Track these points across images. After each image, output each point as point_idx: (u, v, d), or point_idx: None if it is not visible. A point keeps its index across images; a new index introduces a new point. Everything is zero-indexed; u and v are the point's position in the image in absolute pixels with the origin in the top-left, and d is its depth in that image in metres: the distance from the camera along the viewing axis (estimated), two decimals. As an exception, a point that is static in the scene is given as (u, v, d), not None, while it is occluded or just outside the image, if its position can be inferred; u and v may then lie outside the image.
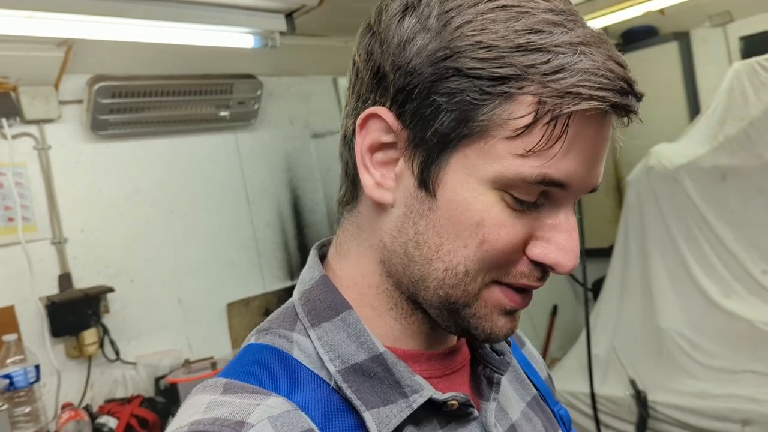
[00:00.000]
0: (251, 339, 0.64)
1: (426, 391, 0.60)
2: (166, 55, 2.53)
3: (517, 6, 0.53)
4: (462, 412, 0.63)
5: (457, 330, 0.62)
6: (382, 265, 0.63)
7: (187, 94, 2.67)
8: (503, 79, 0.52)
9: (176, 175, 2.78)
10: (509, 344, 0.75)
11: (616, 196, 3.98)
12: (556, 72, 0.51)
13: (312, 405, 0.57)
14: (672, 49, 3.63)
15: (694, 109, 3.64)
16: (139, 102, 2.55)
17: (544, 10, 0.53)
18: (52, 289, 2.40)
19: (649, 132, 3.59)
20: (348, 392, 0.58)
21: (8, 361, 2.13)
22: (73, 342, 2.40)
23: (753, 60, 2.74)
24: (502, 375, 0.68)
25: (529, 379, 0.78)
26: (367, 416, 0.58)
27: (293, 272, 3.19)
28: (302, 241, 3.24)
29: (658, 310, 2.74)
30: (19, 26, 1.86)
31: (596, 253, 3.82)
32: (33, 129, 2.40)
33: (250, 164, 3.04)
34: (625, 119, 0.56)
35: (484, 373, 0.68)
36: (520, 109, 0.52)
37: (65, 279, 2.43)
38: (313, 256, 0.68)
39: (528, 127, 0.52)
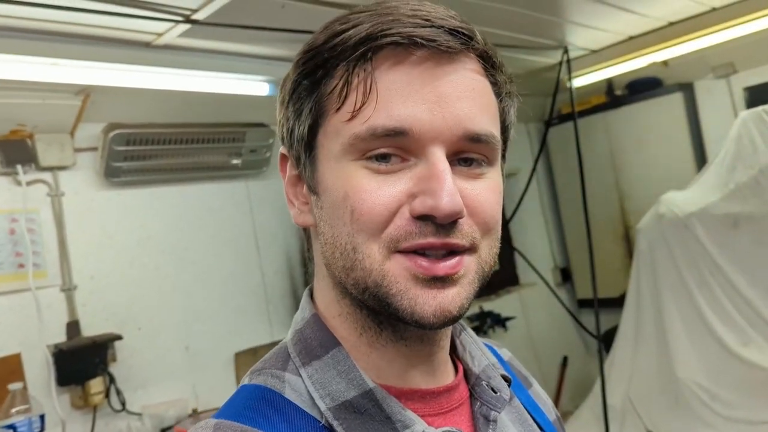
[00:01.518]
0: (245, 380, 0.65)
1: (417, 426, 0.59)
2: (179, 103, 2.56)
3: (338, 18, 0.61)
4: None
5: (390, 317, 0.60)
6: (336, 289, 0.64)
7: (199, 141, 2.70)
8: (318, 67, 0.60)
9: (187, 222, 2.78)
10: (508, 382, 0.71)
11: (625, 244, 3.97)
12: (350, 39, 0.57)
13: None
14: (677, 99, 3.68)
15: (700, 157, 3.67)
16: (153, 149, 2.58)
17: (360, 11, 0.60)
18: (60, 336, 2.37)
19: (656, 180, 3.62)
20: (339, 430, 0.58)
21: (13, 410, 2.08)
22: (78, 391, 2.35)
23: (760, 108, 2.77)
24: (498, 412, 0.67)
25: (535, 421, 0.76)
26: None
27: (301, 321, 3.15)
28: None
29: (673, 359, 2.69)
30: (39, 73, 1.89)
31: (606, 303, 3.79)
32: (47, 176, 2.42)
33: (261, 212, 3.05)
34: (441, 46, 0.57)
35: (480, 411, 0.67)
36: (335, 81, 0.59)
37: (73, 326, 2.41)
38: (305, 297, 0.69)
39: (344, 92, 0.58)
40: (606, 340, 3.69)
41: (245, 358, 2.89)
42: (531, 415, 0.76)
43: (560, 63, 3.24)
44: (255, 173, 3.02)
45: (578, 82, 3.56)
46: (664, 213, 2.90)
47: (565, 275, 4.48)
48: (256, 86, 2.42)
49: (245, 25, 2.00)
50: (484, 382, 0.69)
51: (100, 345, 2.39)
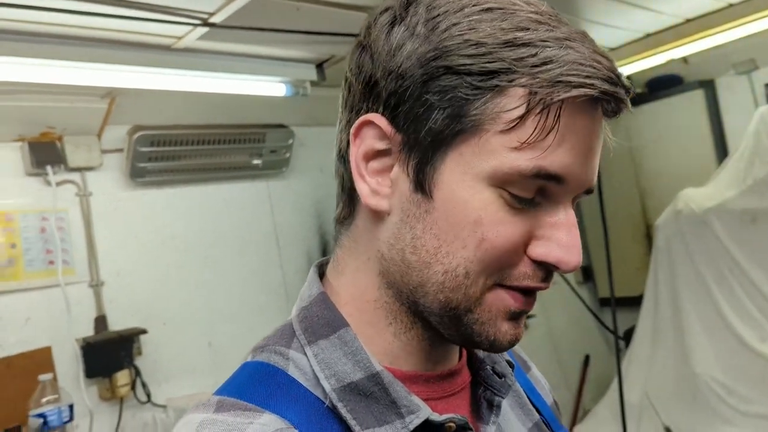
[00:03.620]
0: (248, 357, 0.64)
1: (423, 411, 0.58)
2: (201, 105, 2.65)
3: (502, 8, 0.55)
4: None
5: (460, 338, 0.60)
6: (380, 277, 0.62)
7: (221, 142, 2.78)
8: (493, 74, 0.53)
9: (209, 221, 2.86)
10: (512, 367, 0.71)
11: (646, 243, 3.95)
12: (545, 63, 0.52)
13: (306, 423, 0.56)
14: (697, 96, 3.66)
15: (722, 154, 3.64)
16: (176, 150, 2.66)
17: (528, 11, 0.55)
18: (88, 330, 2.46)
19: (677, 177, 3.60)
20: (343, 411, 0.57)
21: (43, 400, 2.17)
22: (106, 383, 2.44)
23: (778, 103, 2.75)
24: (502, 398, 0.67)
25: (533, 404, 0.77)
26: None
27: (322, 318, 3.20)
28: (331, 287, 3.27)
29: (691, 355, 2.68)
30: (66, 76, 1.98)
31: (627, 302, 3.77)
32: (76, 176, 2.52)
33: (281, 211, 3.12)
34: (613, 110, 0.55)
35: (484, 396, 0.67)
36: (512, 102, 0.53)
37: (101, 321, 2.50)
38: (312, 274, 0.68)
39: (521, 119, 0.52)
40: (627, 338, 3.68)
41: (266, 354, 2.95)
42: (529, 399, 0.77)
43: (577, 62, 3.24)
44: (275, 173, 3.09)
45: (596, 80, 3.55)
46: (682, 209, 2.90)
47: (587, 274, 4.47)
48: (273, 87, 2.49)
49: (261, 28, 2.07)
50: (488, 367, 0.69)
51: (126, 339, 2.47)
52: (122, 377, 2.44)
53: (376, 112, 0.58)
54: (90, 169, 2.55)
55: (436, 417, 0.58)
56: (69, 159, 2.46)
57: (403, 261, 0.59)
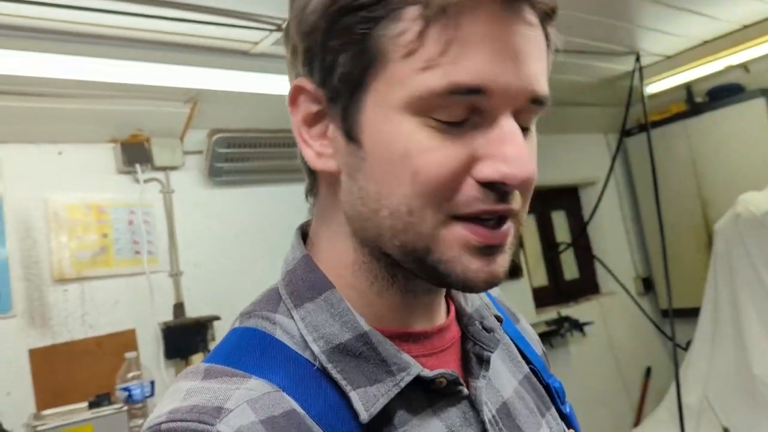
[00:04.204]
0: (235, 323, 0.64)
1: (413, 368, 0.58)
2: (273, 109, 2.83)
3: None
4: (451, 390, 0.61)
5: (434, 280, 0.58)
6: (353, 239, 0.61)
7: (290, 146, 2.94)
8: (383, 2, 0.52)
9: (277, 219, 3.04)
10: (500, 320, 0.71)
11: (708, 252, 3.92)
12: None
13: (295, 385, 0.55)
14: (759, 104, 3.64)
15: (785, 162, 3.61)
16: (249, 152, 2.88)
17: None
18: (168, 315, 2.67)
19: (738, 186, 3.58)
20: (333, 372, 0.56)
21: (129, 375, 2.38)
22: (182, 365, 2.64)
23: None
24: (491, 353, 0.66)
25: (522, 355, 0.76)
26: (353, 396, 0.56)
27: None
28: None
29: (750, 357, 2.66)
30: (153, 77, 2.21)
31: (689, 313, 3.73)
32: (160, 175, 2.76)
33: (345, 212, 3.27)
34: (530, 3, 0.53)
35: (473, 351, 0.66)
36: (408, 23, 0.51)
37: (179, 308, 2.71)
38: (296, 237, 0.67)
39: (420, 38, 0.51)
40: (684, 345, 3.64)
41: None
42: (519, 350, 0.77)
43: (633, 70, 3.31)
44: (340, 176, 3.26)
45: (653, 88, 3.60)
46: (741, 212, 2.90)
47: (648, 285, 4.44)
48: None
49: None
50: (477, 322, 0.68)
51: (202, 324, 2.67)
52: (197, 359, 2.63)
53: (303, 75, 0.59)
54: (173, 168, 2.79)
55: (427, 373, 0.58)
56: (155, 159, 2.70)
57: (360, 215, 0.58)
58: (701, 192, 3.93)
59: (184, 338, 2.62)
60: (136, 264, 2.63)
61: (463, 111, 0.52)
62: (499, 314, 0.72)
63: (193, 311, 2.73)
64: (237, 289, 2.86)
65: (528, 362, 0.76)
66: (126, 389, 2.35)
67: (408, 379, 0.57)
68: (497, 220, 0.55)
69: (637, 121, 4.14)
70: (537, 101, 0.55)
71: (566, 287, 4.23)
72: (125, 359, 2.38)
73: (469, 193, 0.53)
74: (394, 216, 0.54)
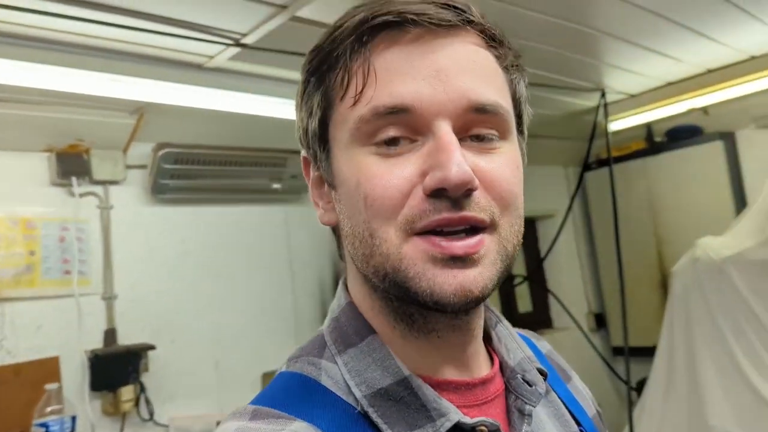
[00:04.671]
0: (282, 368, 0.66)
1: (453, 415, 0.58)
2: (225, 126, 2.69)
3: (344, 14, 0.63)
4: None
5: (413, 302, 0.59)
6: (366, 285, 0.64)
7: (242, 164, 2.81)
8: (322, 63, 0.62)
9: (225, 241, 2.88)
10: (544, 376, 0.70)
11: (662, 291, 3.90)
12: (347, 28, 0.60)
13: (336, 429, 0.57)
14: (717, 148, 3.66)
15: (740, 207, 3.62)
16: (198, 169, 2.70)
17: (357, 6, 0.62)
18: (97, 342, 2.46)
19: (694, 227, 3.58)
20: (374, 417, 0.58)
21: (48, 409, 2.16)
22: (110, 398, 2.42)
23: (800, 156, 2.74)
24: (533, 406, 0.66)
25: (572, 415, 0.75)
26: None
27: (331, 348, 3.17)
28: (341, 317, 3.25)
29: (706, 407, 2.61)
30: (98, 87, 2.03)
31: (641, 352, 3.71)
32: (99, 189, 2.55)
33: (297, 237, 3.13)
34: (432, 22, 0.58)
35: (515, 405, 0.66)
36: (337, 71, 0.61)
37: (110, 334, 2.50)
38: (340, 286, 0.70)
39: (345, 81, 0.59)
40: (640, 389, 3.60)
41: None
42: (568, 409, 0.75)
43: (597, 106, 3.28)
44: (294, 198, 3.11)
45: (616, 125, 3.58)
46: (700, 256, 2.87)
47: (600, 321, 4.41)
48: (298, 112, 2.53)
49: (293, 52, 2.12)
50: (519, 375, 0.68)
51: (134, 354, 2.47)
52: (127, 392, 2.42)
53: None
54: (114, 182, 2.59)
55: (467, 420, 0.59)
56: (94, 172, 2.50)
57: (353, 256, 0.62)
58: (657, 231, 3.93)
59: (113, 368, 2.41)
60: (65, 285, 2.41)
61: (397, 131, 0.57)
62: (542, 368, 0.71)
63: (126, 338, 2.52)
64: (176, 316, 2.67)
65: (578, 423, 0.75)
66: (43, 425, 2.13)
67: (448, 425, 0.58)
68: (467, 231, 0.56)
69: (596, 156, 4.13)
70: (479, 109, 0.58)
71: (519, 320, 4.15)
72: (45, 391, 2.16)
73: (420, 206, 0.56)
74: (363, 243, 0.58)
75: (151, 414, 2.52)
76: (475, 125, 0.59)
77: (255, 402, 0.62)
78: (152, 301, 2.62)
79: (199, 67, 2.15)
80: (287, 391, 0.61)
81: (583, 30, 2.46)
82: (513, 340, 0.72)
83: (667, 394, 2.81)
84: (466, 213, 0.56)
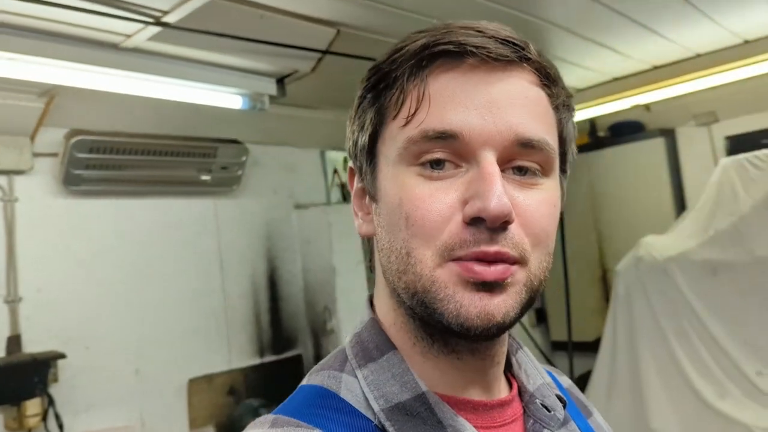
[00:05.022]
0: (304, 381, 0.67)
1: None
2: (148, 112, 2.46)
3: (407, 37, 0.64)
4: None
5: (437, 324, 0.60)
6: (391, 299, 0.66)
7: (168, 154, 2.59)
8: (380, 81, 0.64)
9: (148, 238, 2.65)
10: (564, 403, 0.71)
11: (602, 286, 3.90)
12: (408, 51, 0.61)
13: None
14: (658, 144, 3.66)
15: (680, 203, 3.64)
16: (117, 159, 2.46)
17: (429, 29, 0.63)
18: (-1, 351, 2.21)
19: (635, 224, 3.57)
20: (391, 431, 0.59)
21: (-62, 429, 1.92)
22: (13, 412, 2.19)
23: (742, 156, 2.73)
24: (551, 431, 0.67)
25: None
26: None
27: (263, 349, 3.01)
28: (275, 315, 3.08)
29: (648, 409, 2.58)
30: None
31: (581, 347, 3.70)
32: (2, 179, 2.29)
33: (228, 232, 2.93)
34: (492, 57, 0.59)
35: (533, 429, 0.67)
36: (393, 91, 0.62)
37: (14, 341, 2.25)
38: (366, 302, 0.71)
39: (400, 101, 0.61)
40: (579, 384, 3.58)
41: (200, 385, 2.74)
42: None
43: (544, 99, 3.20)
44: (225, 191, 2.90)
45: (561, 120, 3.52)
46: (643, 256, 2.84)
47: (540, 316, 4.39)
48: (228, 99, 2.32)
49: (220, 33, 1.91)
50: (538, 400, 0.69)
51: (41, 363, 2.23)
52: (32, 406, 2.19)
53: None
54: (19, 172, 2.33)
55: None
56: (-5, 160, 2.23)
57: (386, 269, 0.63)
58: (597, 226, 3.91)
59: (17, 379, 2.17)
60: (-39, 287, 2.15)
61: (443, 154, 0.59)
62: (561, 395, 0.71)
63: (32, 346, 2.28)
64: (93, 321, 2.44)
65: None
66: (-67, 447, 1.89)
67: None
68: (497, 261, 0.57)
69: (539, 150, 4.07)
70: (526, 144, 0.59)
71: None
72: (-65, 408, 1.92)
73: (461, 234, 0.57)
74: (399, 259, 0.60)
75: (61, 428, 2.29)
76: (519, 158, 0.60)
77: (276, 412, 0.63)
78: (63, 305, 2.38)
79: (114, 46, 1.92)
80: (307, 403, 0.62)
81: (533, 21, 2.35)
82: (533, 367, 0.73)
83: (609, 397, 2.78)
84: (501, 249, 0.57)
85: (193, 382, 2.72)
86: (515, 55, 0.60)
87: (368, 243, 0.73)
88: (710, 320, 2.57)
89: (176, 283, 2.72)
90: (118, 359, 2.50)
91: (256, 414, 2.76)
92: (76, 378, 2.37)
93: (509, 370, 0.72)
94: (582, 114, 3.50)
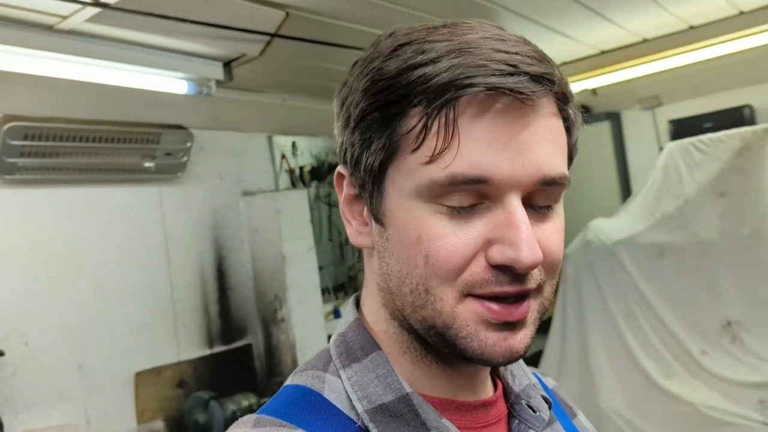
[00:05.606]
0: (288, 381, 0.67)
1: None
2: (88, 97, 2.34)
3: (410, 42, 0.58)
4: None
5: (456, 354, 0.59)
6: (384, 309, 0.65)
7: (109, 141, 2.47)
8: (393, 103, 0.57)
9: (89, 227, 2.54)
10: (549, 404, 0.71)
11: (550, 270, 3.98)
12: (435, 77, 0.55)
13: None
14: (604, 128, 3.73)
15: (625, 185, 3.73)
16: (54, 146, 2.33)
17: (437, 35, 0.58)
18: (-71, 351, 2.08)
19: (582, 206, 3.64)
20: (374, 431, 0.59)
21: None
22: (-53, 415, 2.07)
23: (687, 140, 2.80)
24: (536, 431, 0.67)
25: None
26: None
27: (212, 339, 2.94)
28: (225, 305, 3.02)
29: (597, 389, 2.65)
30: None
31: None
32: (-75, 168, 2.14)
33: (174, 220, 2.83)
34: (524, 96, 0.55)
35: (518, 429, 0.67)
36: (413, 121, 0.56)
37: (-54, 340, 2.12)
38: (350, 303, 0.71)
39: (423, 134, 0.56)
40: (529, 364, 3.66)
41: (147, 379, 2.65)
42: None
43: (494, 84, 3.20)
44: (170, 178, 2.80)
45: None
46: (592, 240, 2.89)
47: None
48: (173, 83, 2.22)
49: (163, 15, 1.82)
50: (523, 401, 0.69)
51: (-23, 362, 2.11)
52: (-31, 408, 2.08)
53: (344, 164, 0.66)
54: (-55, 160, 2.18)
55: None
56: None
57: (387, 290, 0.63)
58: (545, 209, 3.97)
59: (-49, 381, 2.05)
60: None
61: (469, 198, 0.56)
62: (547, 396, 0.72)
63: (-35, 345, 2.15)
64: (31, 315, 2.33)
65: None
66: None
67: None
68: (516, 297, 0.57)
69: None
70: (549, 183, 0.58)
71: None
72: None
73: (483, 275, 0.56)
74: (414, 294, 0.59)
75: (1, 428, 2.18)
76: (539, 194, 0.58)
77: (259, 412, 0.62)
78: (-1, 300, 2.26)
79: (49, 28, 1.80)
80: (291, 403, 0.62)
81: (484, 4, 2.33)
82: (518, 368, 0.73)
83: (559, 377, 2.83)
84: (525, 287, 0.57)
85: (140, 376, 2.64)
86: (545, 89, 0.57)
87: (357, 249, 0.71)
88: (657, 302, 2.64)
89: (120, 274, 2.62)
90: (59, 355, 2.40)
91: (206, 406, 2.70)
92: (16, 376, 2.26)
93: (494, 371, 0.72)
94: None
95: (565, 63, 3.25)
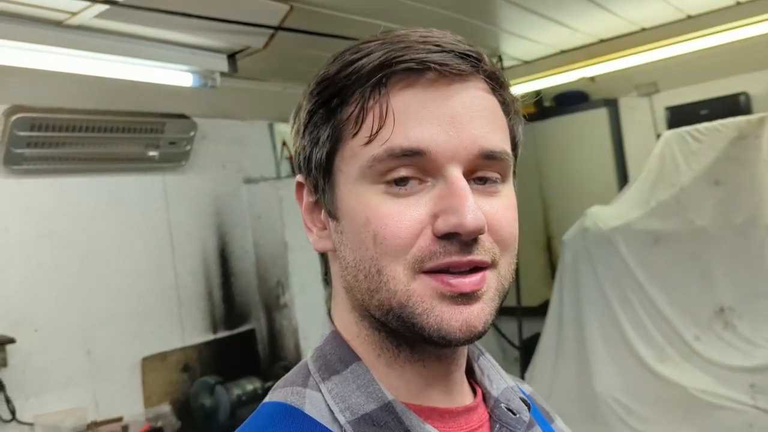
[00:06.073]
0: (266, 398, 0.67)
1: None
2: (94, 88, 2.36)
3: (355, 45, 0.63)
4: None
5: (416, 336, 0.60)
6: (354, 312, 0.65)
7: (114, 131, 2.50)
8: (334, 96, 0.62)
9: (95, 216, 2.58)
10: (528, 406, 0.72)
11: (546, 254, 4.02)
12: (364, 67, 0.60)
13: None
14: (601, 114, 3.75)
15: (622, 172, 3.76)
16: (61, 137, 2.36)
17: (367, 39, 0.63)
18: (-58, 339, 2.13)
19: (579, 192, 3.68)
20: None
21: None
22: (-39, 400, 2.13)
23: (683, 129, 2.84)
24: None
25: None
26: None
27: (216, 325, 2.99)
28: (228, 291, 3.07)
29: (593, 373, 2.72)
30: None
31: (526, 312, 3.82)
32: (-66, 159, 2.17)
33: (177, 207, 2.87)
34: (454, 72, 0.59)
35: None
36: (351, 107, 0.61)
37: (-42, 328, 2.17)
38: (325, 314, 0.71)
39: (360, 117, 0.60)
40: (524, 348, 3.72)
41: (153, 364, 2.71)
42: None
43: (494, 71, 3.23)
44: (173, 167, 2.84)
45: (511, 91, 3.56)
46: (589, 227, 2.94)
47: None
48: (179, 76, 2.25)
49: (170, 10, 1.84)
50: (503, 405, 0.69)
51: (-11, 349, 2.16)
52: (-19, 394, 2.13)
53: (301, 173, 0.68)
54: (-47, 151, 2.21)
55: None
56: (-73, 139, 2.11)
57: (350, 286, 0.63)
58: (543, 194, 4.01)
59: (-36, 368, 2.10)
60: None
61: (409, 171, 0.59)
62: (525, 398, 0.72)
63: (-22, 332, 2.20)
64: (40, 303, 2.38)
65: None
66: None
67: None
68: (469, 270, 0.58)
69: (487, 119, 4.11)
70: (488, 156, 0.60)
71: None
72: None
73: (431, 247, 0.58)
74: (368, 278, 0.60)
75: (13, 413, 2.24)
76: (482, 169, 0.61)
77: (239, 431, 0.62)
78: (9, 288, 2.31)
79: (58, 24, 1.83)
80: (271, 422, 0.61)
81: (485, -5, 2.35)
82: (496, 372, 0.74)
83: (556, 362, 2.90)
84: (473, 257, 0.58)
85: (147, 361, 2.70)
86: (473, 68, 0.61)
87: (322, 257, 0.72)
88: (652, 288, 2.70)
89: (126, 261, 2.66)
90: (68, 341, 2.45)
91: (212, 390, 2.76)
92: (27, 362, 2.32)
93: (472, 377, 0.73)
94: (529, 86, 3.55)
95: (563, 51, 3.27)
